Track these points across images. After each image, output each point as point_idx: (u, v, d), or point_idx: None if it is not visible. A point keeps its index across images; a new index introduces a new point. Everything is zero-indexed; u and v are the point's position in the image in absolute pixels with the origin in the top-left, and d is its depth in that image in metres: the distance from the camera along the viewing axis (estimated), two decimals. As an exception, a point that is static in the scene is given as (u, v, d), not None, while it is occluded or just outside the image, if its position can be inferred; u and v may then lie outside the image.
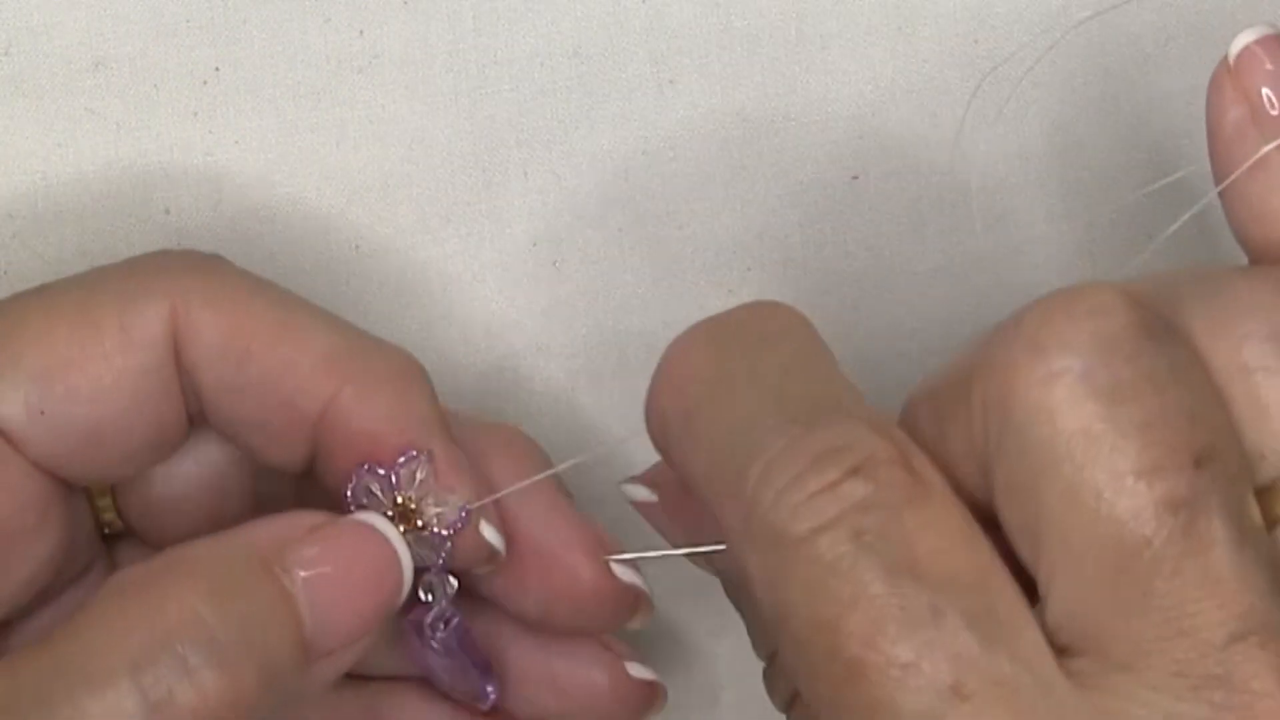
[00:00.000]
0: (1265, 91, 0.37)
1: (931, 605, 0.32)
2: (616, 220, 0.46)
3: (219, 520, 0.40)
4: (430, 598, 0.40)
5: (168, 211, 0.45)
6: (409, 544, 0.39)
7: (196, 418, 0.40)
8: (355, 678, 0.42)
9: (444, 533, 0.39)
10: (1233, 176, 0.37)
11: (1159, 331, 0.33)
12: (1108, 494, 0.32)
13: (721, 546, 0.37)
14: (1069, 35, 0.46)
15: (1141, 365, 0.33)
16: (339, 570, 0.37)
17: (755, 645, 0.40)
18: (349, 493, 0.39)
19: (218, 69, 0.45)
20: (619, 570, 0.40)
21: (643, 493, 0.41)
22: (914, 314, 0.47)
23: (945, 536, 0.33)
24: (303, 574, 0.37)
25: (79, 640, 0.35)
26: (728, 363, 0.35)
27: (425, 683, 0.42)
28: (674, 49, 0.46)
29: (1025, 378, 0.33)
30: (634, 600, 0.41)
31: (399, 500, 0.39)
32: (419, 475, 0.39)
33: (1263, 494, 0.33)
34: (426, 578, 0.39)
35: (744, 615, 0.41)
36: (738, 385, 0.35)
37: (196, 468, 0.41)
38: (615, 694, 0.42)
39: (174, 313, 0.38)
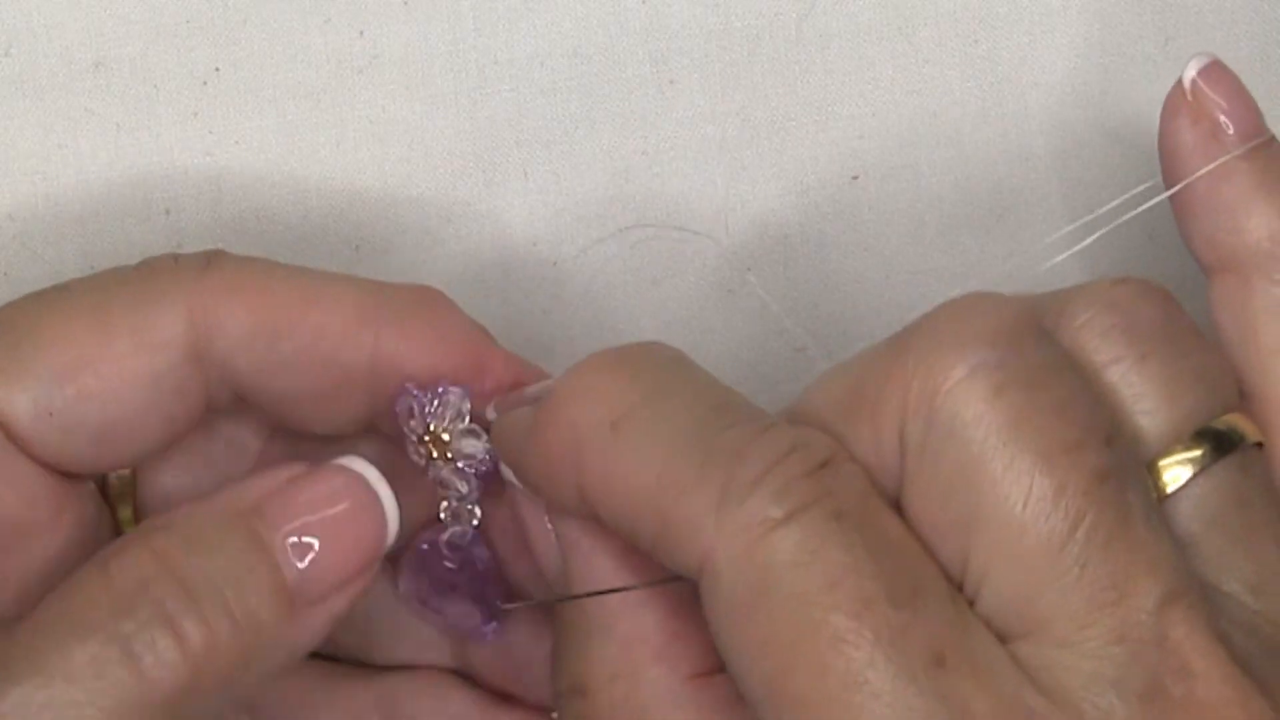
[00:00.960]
0: (1220, 116, 0.39)
1: (914, 583, 0.33)
2: (616, 220, 0.46)
3: None
4: (450, 520, 0.40)
5: (168, 212, 0.45)
6: (441, 471, 0.39)
7: (225, 407, 0.40)
8: (368, 668, 0.42)
9: (474, 470, 0.39)
10: (1201, 171, 0.39)
11: (1044, 328, 0.36)
12: (1040, 474, 0.33)
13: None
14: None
15: (1045, 354, 0.35)
16: (320, 518, 0.37)
17: (557, 676, 0.39)
18: (398, 415, 0.39)
19: (218, 69, 0.45)
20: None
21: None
22: (914, 314, 0.47)
23: (900, 524, 0.34)
24: (283, 524, 0.37)
25: (66, 599, 0.36)
26: (652, 375, 0.36)
27: (439, 670, 0.42)
28: (674, 49, 0.46)
29: (947, 377, 0.34)
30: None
31: (431, 428, 0.39)
32: (452, 407, 0.39)
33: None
34: (452, 504, 0.40)
35: (568, 647, 0.39)
36: (672, 393, 0.36)
37: (214, 472, 0.41)
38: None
39: (192, 313, 0.39)
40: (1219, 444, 0.36)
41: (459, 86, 0.46)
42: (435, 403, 0.39)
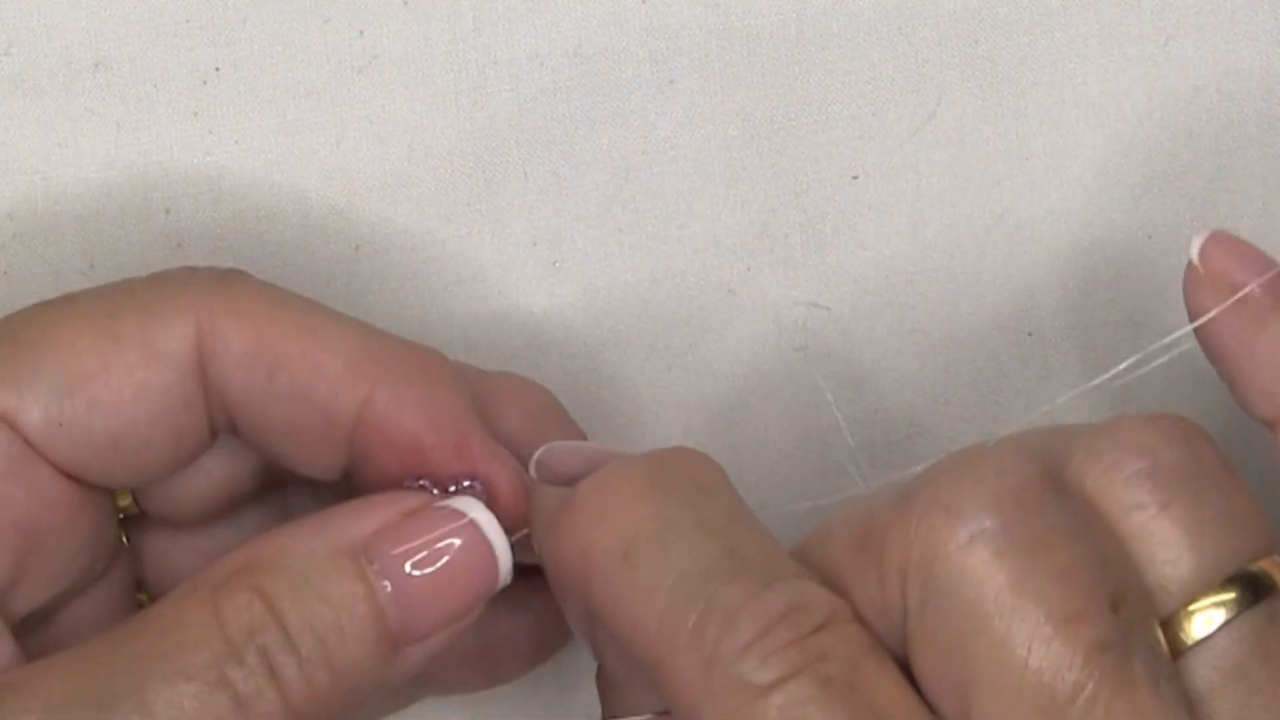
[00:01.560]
0: (1240, 276, 0.39)
1: None
2: (616, 220, 0.46)
3: (243, 498, 0.41)
4: None
5: (167, 211, 0.45)
6: None
7: (224, 428, 0.40)
8: None
9: None
10: (1215, 311, 0.39)
11: (1059, 483, 0.35)
12: (1038, 643, 0.33)
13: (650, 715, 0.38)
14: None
15: (1050, 517, 0.34)
16: (431, 559, 0.37)
17: None
18: None
19: (218, 69, 0.45)
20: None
21: None
22: (914, 314, 0.47)
23: (896, 685, 0.34)
24: (392, 565, 0.37)
25: (170, 632, 0.36)
26: (670, 507, 0.36)
27: None
28: (674, 49, 0.46)
29: (946, 542, 0.34)
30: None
31: None
32: None
33: (1165, 626, 0.35)
34: None
35: None
36: (685, 532, 0.36)
37: (222, 467, 0.41)
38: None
39: (199, 327, 0.38)
40: (1250, 589, 0.35)
41: (459, 86, 0.46)
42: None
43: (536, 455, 0.40)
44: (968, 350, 0.47)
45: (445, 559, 0.37)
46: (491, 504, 0.38)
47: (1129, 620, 0.34)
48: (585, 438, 0.42)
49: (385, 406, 0.38)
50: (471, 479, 0.39)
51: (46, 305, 0.39)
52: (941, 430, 0.47)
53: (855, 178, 0.47)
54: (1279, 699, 0.34)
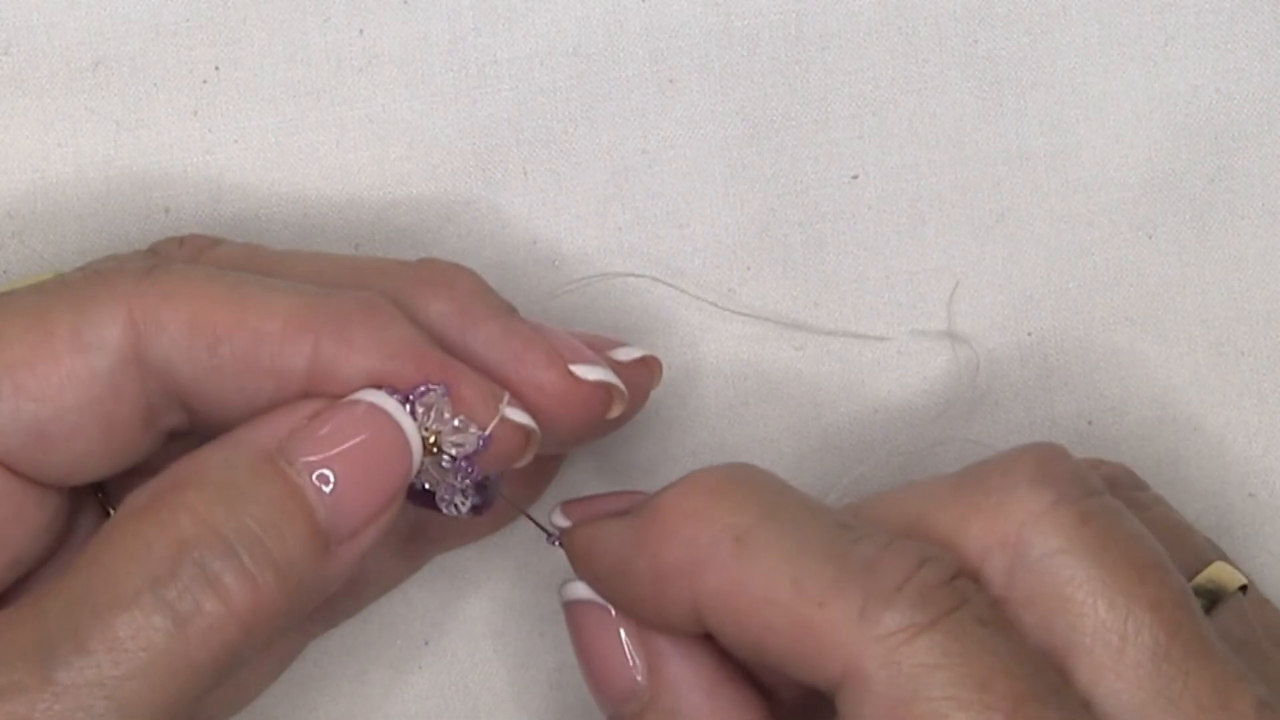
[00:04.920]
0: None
1: (1052, 684, 0.35)
2: (616, 220, 0.46)
3: None
4: (446, 507, 0.39)
5: (167, 210, 0.45)
6: (429, 470, 0.39)
7: (178, 422, 0.40)
8: None
9: (463, 461, 0.39)
10: None
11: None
12: (1135, 587, 0.36)
13: None
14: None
15: (1109, 497, 0.38)
16: (345, 452, 0.37)
17: None
18: None
19: (218, 68, 0.45)
20: (581, 371, 0.40)
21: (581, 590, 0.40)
22: (913, 314, 0.47)
23: (1019, 634, 0.36)
24: (309, 461, 0.37)
25: (99, 567, 0.36)
26: (766, 495, 0.37)
27: None
28: (674, 49, 0.46)
29: (1030, 509, 0.36)
30: (605, 395, 0.41)
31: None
32: (435, 409, 0.38)
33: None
34: (445, 494, 0.39)
35: None
36: (792, 511, 0.37)
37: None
38: (565, 394, 0.41)
39: (131, 316, 0.38)
40: (1208, 598, 0.39)
41: (459, 85, 0.46)
42: (416, 403, 0.38)
43: (559, 509, 0.40)
44: (967, 350, 0.47)
45: (358, 446, 0.37)
46: (457, 404, 0.38)
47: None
48: (517, 311, 0.42)
49: (334, 352, 0.38)
50: (431, 385, 0.39)
51: None
52: (941, 430, 0.47)
53: (855, 178, 0.47)
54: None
